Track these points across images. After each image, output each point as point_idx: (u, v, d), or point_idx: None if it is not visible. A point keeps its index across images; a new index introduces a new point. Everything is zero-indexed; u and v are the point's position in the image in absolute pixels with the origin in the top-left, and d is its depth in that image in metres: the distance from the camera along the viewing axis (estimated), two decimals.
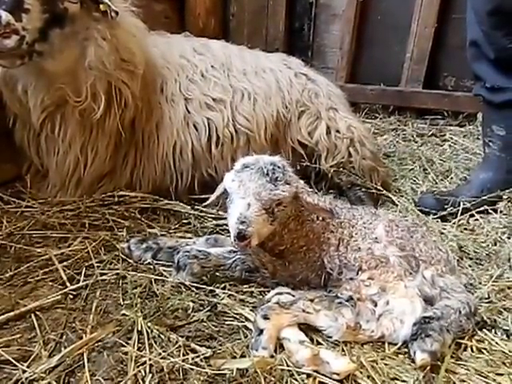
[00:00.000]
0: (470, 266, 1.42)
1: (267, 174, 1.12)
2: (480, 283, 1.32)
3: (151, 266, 1.33)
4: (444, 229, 1.63)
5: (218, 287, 1.24)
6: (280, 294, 1.14)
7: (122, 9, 1.57)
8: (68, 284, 1.23)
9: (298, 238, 1.24)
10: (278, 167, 1.15)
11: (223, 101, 1.79)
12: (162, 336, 1.05)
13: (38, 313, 1.13)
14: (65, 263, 1.32)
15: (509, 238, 1.58)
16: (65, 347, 1.01)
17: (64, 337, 1.06)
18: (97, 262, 1.33)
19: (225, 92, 1.81)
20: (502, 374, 1.01)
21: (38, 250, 1.37)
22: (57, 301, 1.17)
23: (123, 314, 1.13)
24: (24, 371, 0.94)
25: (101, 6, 1.47)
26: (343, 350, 1.05)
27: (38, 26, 1.37)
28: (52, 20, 1.40)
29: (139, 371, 0.95)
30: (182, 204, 1.71)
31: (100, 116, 1.57)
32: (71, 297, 1.20)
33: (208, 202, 1.32)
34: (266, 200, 1.11)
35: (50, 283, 1.24)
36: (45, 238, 1.45)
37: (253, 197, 1.10)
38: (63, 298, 1.19)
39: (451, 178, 2.16)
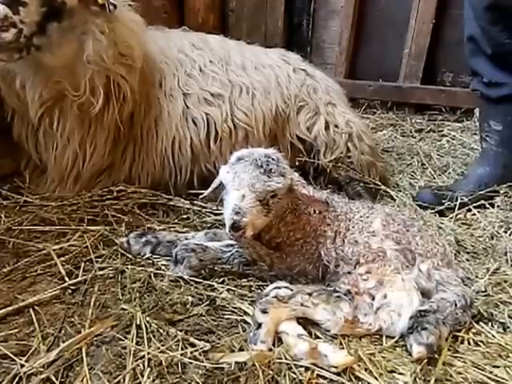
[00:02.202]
0: (467, 260, 1.42)
1: (261, 166, 1.13)
2: (477, 277, 1.33)
3: (150, 261, 1.33)
4: (442, 223, 1.64)
5: (216, 281, 1.24)
6: (278, 288, 1.14)
7: (120, 3, 1.56)
8: (67, 279, 1.23)
9: (295, 230, 1.24)
10: (272, 159, 1.16)
11: (222, 96, 1.78)
12: (161, 330, 1.05)
13: (36, 307, 1.12)
14: (63, 258, 1.32)
15: (505, 232, 1.59)
16: (63, 341, 1.01)
17: (62, 331, 1.06)
18: (95, 257, 1.33)
19: (223, 87, 1.80)
20: (498, 367, 1.02)
21: (37, 245, 1.37)
22: (55, 295, 1.17)
23: (122, 309, 1.13)
24: (22, 365, 0.94)
25: None
26: (341, 344, 1.05)
27: (36, 19, 1.36)
28: (50, 13, 1.39)
29: (138, 365, 0.96)
30: (181, 199, 1.71)
31: (98, 110, 1.57)
32: (70, 291, 1.20)
33: (204, 194, 1.32)
34: (260, 191, 1.12)
35: (49, 278, 1.24)
36: (43, 232, 1.45)
37: (247, 188, 1.11)
38: (62, 292, 1.19)
39: (449, 173, 2.17)
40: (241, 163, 1.14)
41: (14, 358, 0.96)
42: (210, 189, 1.29)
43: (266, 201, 1.14)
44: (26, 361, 0.96)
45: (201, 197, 1.36)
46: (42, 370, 0.94)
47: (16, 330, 1.05)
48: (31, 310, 1.12)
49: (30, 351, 0.99)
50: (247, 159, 1.14)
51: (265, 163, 1.13)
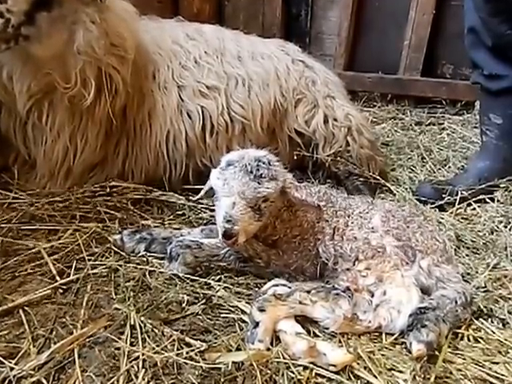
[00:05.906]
0: (466, 255, 1.41)
1: (251, 172, 1.10)
2: (477, 272, 1.32)
3: (144, 259, 1.30)
4: (441, 218, 1.63)
5: (213, 279, 1.22)
6: (276, 285, 1.13)
7: None
8: (58, 278, 1.20)
9: (292, 227, 1.22)
10: (263, 163, 1.13)
11: (217, 88, 1.74)
12: (156, 330, 1.03)
13: (26, 308, 1.10)
14: (55, 256, 1.29)
15: (505, 226, 1.58)
16: (54, 343, 0.99)
17: (54, 332, 1.03)
18: (88, 255, 1.30)
19: (219, 79, 1.76)
20: (497, 363, 1.02)
21: (27, 243, 1.33)
22: (46, 295, 1.14)
23: (115, 308, 1.10)
24: (12, 368, 0.91)
25: None
26: (340, 342, 1.04)
27: (24, 8, 1.31)
28: (39, 2, 1.34)
29: (132, 366, 0.93)
30: (176, 195, 1.68)
31: (90, 103, 1.52)
32: (61, 291, 1.17)
33: (197, 197, 1.31)
34: (250, 198, 1.10)
35: (39, 277, 1.21)
36: (33, 230, 1.41)
37: (237, 195, 1.09)
38: (53, 292, 1.16)
39: (449, 167, 2.15)
40: (230, 169, 1.12)
41: (4, 360, 0.93)
42: (202, 192, 1.28)
43: (258, 206, 1.12)
44: (16, 363, 0.93)
45: (194, 198, 1.34)
46: (32, 372, 0.91)
47: (5, 332, 1.02)
48: (21, 310, 1.08)
49: (20, 353, 0.96)
50: (237, 165, 1.12)
51: (255, 168, 1.11)
